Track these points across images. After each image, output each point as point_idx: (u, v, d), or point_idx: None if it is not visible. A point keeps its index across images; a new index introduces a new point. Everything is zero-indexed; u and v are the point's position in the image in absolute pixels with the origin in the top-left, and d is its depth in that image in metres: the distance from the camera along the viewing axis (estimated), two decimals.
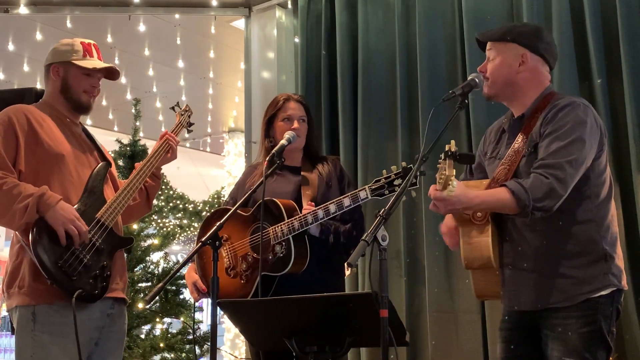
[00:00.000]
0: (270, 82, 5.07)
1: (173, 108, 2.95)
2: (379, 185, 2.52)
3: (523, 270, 2.22)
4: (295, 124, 2.86)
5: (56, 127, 2.53)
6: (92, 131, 2.80)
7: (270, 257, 2.65)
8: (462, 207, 2.12)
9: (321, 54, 4.71)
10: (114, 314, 2.55)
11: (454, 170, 1.97)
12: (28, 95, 2.95)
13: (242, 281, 2.70)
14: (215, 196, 9.97)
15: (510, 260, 2.26)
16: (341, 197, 2.59)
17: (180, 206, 10.14)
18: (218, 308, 2.22)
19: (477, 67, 2.38)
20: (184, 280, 4.64)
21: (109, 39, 6.09)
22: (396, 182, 2.49)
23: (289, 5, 5.08)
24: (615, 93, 3.58)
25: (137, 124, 5.46)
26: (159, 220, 8.76)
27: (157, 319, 5.06)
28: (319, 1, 4.81)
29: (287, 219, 2.64)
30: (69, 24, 5.61)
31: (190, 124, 2.93)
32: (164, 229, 8.18)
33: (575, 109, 2.18)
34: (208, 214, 3.10)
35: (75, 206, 2.43)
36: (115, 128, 8.45)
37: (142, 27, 5.77)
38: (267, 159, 2.70)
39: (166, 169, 3.17)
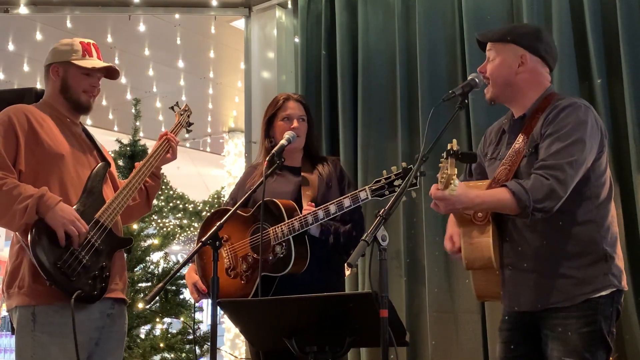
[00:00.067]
0: (270, 82, 5.07)
1: (172, 108, 2.95)
2: (379, 185, 2.52)
3: (523, 271, 2.22)
4: (295, 123, 2.86)
5: (56, 127, 2.53)
6: (92, 131, 2.79)
7: (270, 258, 2.65)
8: (463, 206, 2.12)
9: (321, 54, 4.71)
10: (114, 314, 2.55)
11: (456, 170, 1.97)
12: (28, 95, 2.95)
13: (242, 282, 2.70)
14: (215, 196, 9.98)
15: (510, 260, 2.26)
16: (341, 197, 2.59)
17: (180, 206, 10.14)
18: (218, 308, 2.22)
19: (477, 67, 2.38)
20: (184, 280, 4.64)
21: (109, 39, 6.09)
22: (396, 183, 2.49)
23: (289, 5, 5.09)
24: (615, 93, 3.58)
25: (137, 124, 5.46)
26: (159, 220, 8.75)
27: (157, 319, 5.06)
28: (319, 1, 4.81)
29: (287, 219, 2.63)
30: (69, 24, 5.61)
31: (190, 124, 2.92)
32: (164, 229, 8.17)
33: (576, 110, 2.18)
34: (208, 214, 3.10)
35: (74, 207, 2.42)
36: (115, 128, 8.45)
37: (142, 27, 5.77)
38: (267, 159, 2.70)
39: (166, 169, 3.17)
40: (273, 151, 2.70)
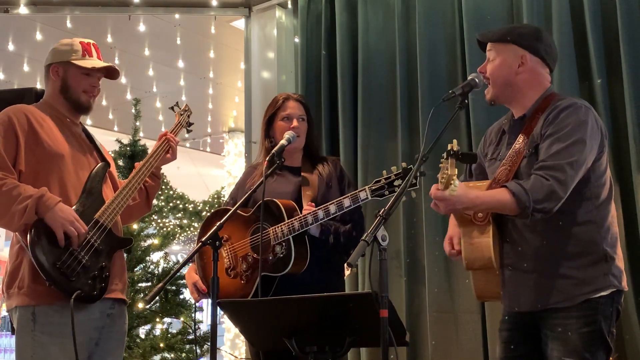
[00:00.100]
0: (270, 82, 5.07)
1: (172, 108, 2.95)
2: (379, 185, 2.52)
3: (523, 271, 2.22)
4: (295, 123, 2.86)
5: (56, 128, 2.53)
6: (92, 131, 2.79)
7: (270, 258, 2.65)
8: (463, 207, 2.12)
9: (321, 54, 4.71)
10: (114, 314, 2.55)
11: (456, 170, 1.97)
12: (28, 95, 2.95)
13: (242, 281, 2.70)
14: (215, 196, 9.98)
15: (510, 261, 2.26)
16: (341, 197, 2.59)
17: (180, 206, 10.15)
18: (218, 308, 2.22)
19: (477, 67, 2.38)
20: (184, 280, 4.64)
21: (109, 39, 6.08)
22: (396, 183, 2.49)
23: (289, 5, 5.09)
24: (615, 93, 3.58)
25: (137, 124, 5.46)
26: (159, 220, 8.75)
27: (157, 319, 5.06)
28: (319, 1, 4.81)
29: (287, 219, 2.64)
30: (69, 24, 5.61)
31: (190, 124, 2.92)
32: (164, 229, 8.17)
33: (577, 111, 2.18)
34: (208, 214, 3.09)
35: (74, 207, 2.42)
36: (115, 128, 8.45)
37: (142, 27, 5.77)
38: (267, 159, 2.70)
39: (166, 169, 3.17)
40: (273, 151, 2.70)
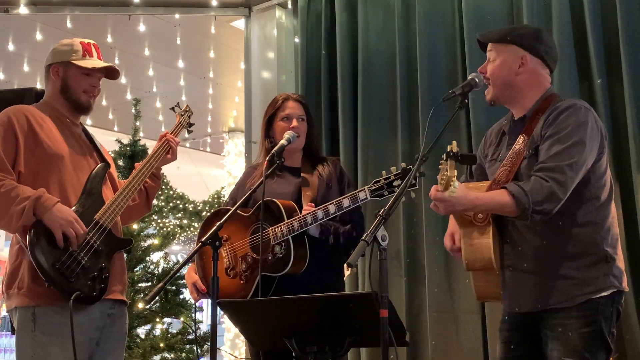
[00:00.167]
0: (270, 82, 5.07)
1: (173, 109, 2.95)
2: (378, 186, 2.52)
3: (523, 272, 2.22)
4: (294, 123, 2.86)
5: (56, 128, 2.53)
6: (92, 131, 2.79)
7: (269, 258, 2.65)
8: (463, 208, 2.12)
9: (321, 54, 4.71)
10: (114, 314, 2.55)
11: (456, 171, 1.97)
12: (28, 95, 2.94)
13: (242, 281, 2.70)
14: (215, 196, 9.98)
15: (510, 261, 2.26)
16: (341, 197, 2.60)
17: (180, 206, 10.15)
18: (218, 308, 2.22)
19: (477, 67, 2.38)
20: (184, 280, 4.63)
21: (109, 39, 6.08)
22: (395, 183, 2.49)
23: (289, 5, 5.09)
24: (615, 93, 3.58)
25: (137, 124, 5.46)
26: (159, 220, 8.75)
27: (157, 319, 5.06)
28: (319, 1, 4.80)
29: (287, 219, 2.64)
30: (69, 24, 5.61)
31: (191, 125, 2.92)
32: (164, 229, 8.18)
33: (576, 112, 2.18)
34: (208, 214, 3.09)
35: (73, 208, 2.42)
36: (115, 128, 8.45)
37: (142, 27, 5.77)
38: (267, 159, 2.70)
39: (166, 169, 3.17)
40: (273, 151, 2.70)
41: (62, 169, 2.48)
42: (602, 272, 2.15)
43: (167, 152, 2.73)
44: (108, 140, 4.69)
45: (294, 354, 2.13)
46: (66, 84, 2.57)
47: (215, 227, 2.28)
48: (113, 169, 2.72)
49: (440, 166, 2.00)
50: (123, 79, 6.86)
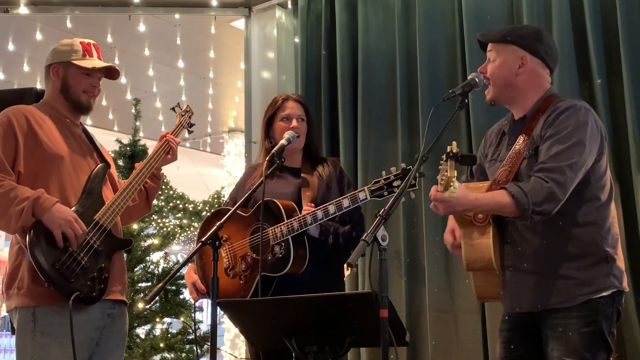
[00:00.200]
0: (270, 82, 5.07)
1: (174, 109, 2.95)
2: (378, 186, 2.53)
3: (524, 272, 2.22)
4: (294, 123, 2.86)
5: (55, 128, 2.53)
6: (92, 131, 2.79)
7: (269, 258, 2.65)
8: (463, 209, 2.12)
9: (321, 54, 4.71)
10: (114, 314, 2.55)
11: (456, 172, 1.97)
12: (28, 95, 2.94)
13: (241, 281, 2.70)
14: (215, 196, 9.98)
15: (511, 262, 2.26)
16: (340, 198, 2.60)
17: (180, 206, 10.15)
18: (218, 308, 2.22)
19: (477, 67, 2.38)
20: (184, 280, 4.63)
21: (109, 39, 6.09)
22: (395, 184, 2.49)
23: (289, 5, 5.08)
24: (615, 93, 3.58)
25: (137, 124, 5.46)
26: (159, 220, 8.75)
27: (157, 319, 5.06)
28: (319, 1, 4.80)
29: (287, 219, 2.64)
30: (69, 24, 5.61)
31: (191, 125, 2.92)
32: (164, 229, 8.17)
33: (576, 112, 2.18)
34: (208, 214, 3.09)
35: (73, 208, 2.42)
36: (115, 128, 8.45)
37: (142, 27, 5.77)
38: (267, 159, 2.70)
39: (166, 169, 3.17)
40: (273, 151, 2.70)
41: (62, 169, 2.47)
42: (602, 272, 2.15)
43: (168, 152, 2.73)
44: (108, 140, 4.68)
45: (293, 354, 2.13)
46: (66, 84, 2.57)
47: (215, 227, 2.28)
48: (113, 169, 2.72)
49: (440, 166, 1.99)
50: (123, 79, 6.86)
